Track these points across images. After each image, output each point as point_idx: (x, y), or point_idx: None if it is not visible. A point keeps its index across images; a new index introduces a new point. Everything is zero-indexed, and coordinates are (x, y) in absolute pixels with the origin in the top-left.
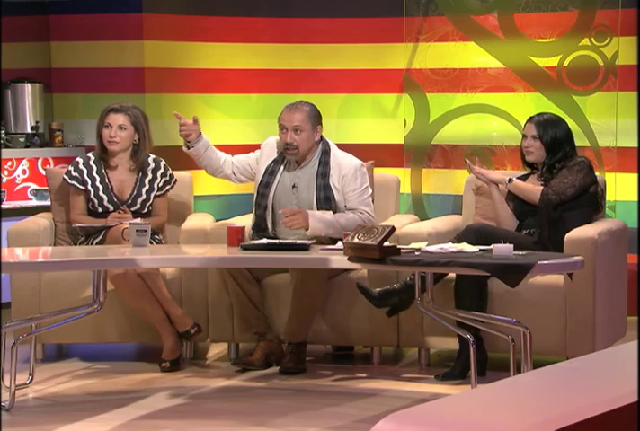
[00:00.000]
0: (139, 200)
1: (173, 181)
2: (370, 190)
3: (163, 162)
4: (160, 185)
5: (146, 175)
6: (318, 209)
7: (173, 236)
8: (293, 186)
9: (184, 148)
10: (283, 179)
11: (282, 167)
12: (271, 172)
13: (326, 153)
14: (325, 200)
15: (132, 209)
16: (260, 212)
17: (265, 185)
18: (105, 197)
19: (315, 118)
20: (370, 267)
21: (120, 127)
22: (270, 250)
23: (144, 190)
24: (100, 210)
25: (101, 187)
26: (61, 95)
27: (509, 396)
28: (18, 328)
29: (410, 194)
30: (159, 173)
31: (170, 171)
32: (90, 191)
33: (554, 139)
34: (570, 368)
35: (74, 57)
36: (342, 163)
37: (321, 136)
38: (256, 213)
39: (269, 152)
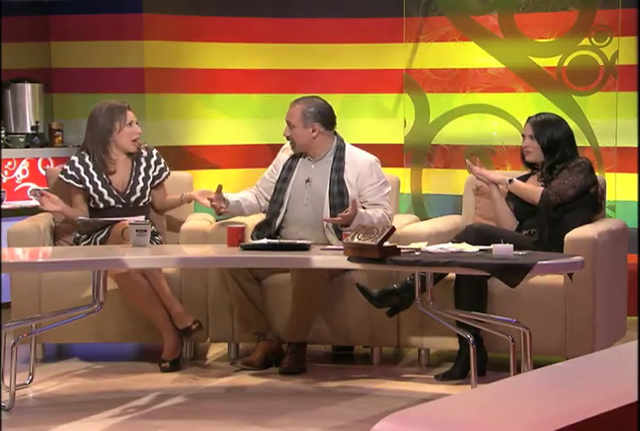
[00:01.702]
0: (138, 188)
1: (168, 168)
2: (390, 186)
3: (155, 151)
4: (156, 174)
5: (141, 164)
6: (331, 203)
7: (173, 236)
8: (307, 180)
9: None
10: (299, 173)
11: (299, 162)
12: (289, 168)
13: (341, 148)
14: (338, 194)
15: (132, 199)
16: (275, 208)
17: (283, 180)
18: (105, 192)
19: (311, 115)
20: (370, 267)
21: (137, 124)
22: (270, 250)
23: (140, 178)
24: (101, 206)
25: (99, 182)
26: (61, 95)
27: (509, 396)
28: (18, 328)
29: (410, 194)
30: (153, 161)
31: (162, 159)
32: (89, 188)
33: (550, 139)
34: (570, 368)
35: (74, 57)
36: (357, 160)
37: (335, 132)
38: (270, 210)
39: (287, 150)
